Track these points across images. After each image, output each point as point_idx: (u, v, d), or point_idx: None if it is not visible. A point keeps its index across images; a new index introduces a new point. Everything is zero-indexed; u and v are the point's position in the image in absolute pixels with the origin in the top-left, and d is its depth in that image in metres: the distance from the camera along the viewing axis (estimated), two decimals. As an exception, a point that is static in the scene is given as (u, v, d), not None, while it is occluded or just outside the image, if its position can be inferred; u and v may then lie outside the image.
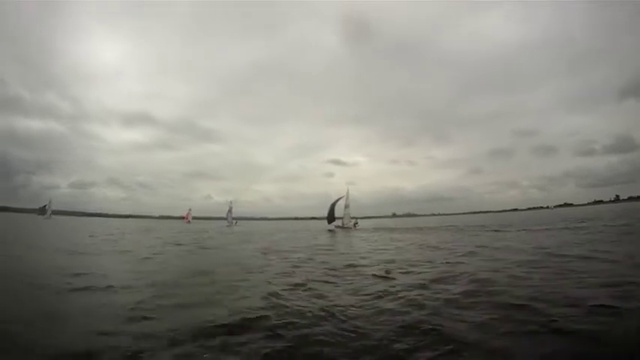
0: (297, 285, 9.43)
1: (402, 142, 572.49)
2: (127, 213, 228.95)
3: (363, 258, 15.53)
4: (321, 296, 8.14)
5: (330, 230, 45.71)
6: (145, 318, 6.43)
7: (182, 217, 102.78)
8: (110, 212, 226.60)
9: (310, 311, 6.87)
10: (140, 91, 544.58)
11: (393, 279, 10.05)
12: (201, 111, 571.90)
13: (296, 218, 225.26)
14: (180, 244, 23.92)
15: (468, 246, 18.80)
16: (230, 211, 75.80)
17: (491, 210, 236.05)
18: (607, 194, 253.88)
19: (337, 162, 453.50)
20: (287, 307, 7.24)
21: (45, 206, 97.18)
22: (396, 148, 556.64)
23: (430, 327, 5.82)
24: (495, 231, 31.05)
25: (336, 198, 51.85)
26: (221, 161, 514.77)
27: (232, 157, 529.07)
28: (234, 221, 75.46)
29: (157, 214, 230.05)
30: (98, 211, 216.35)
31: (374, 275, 10.71)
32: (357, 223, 49.59)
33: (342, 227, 47.92)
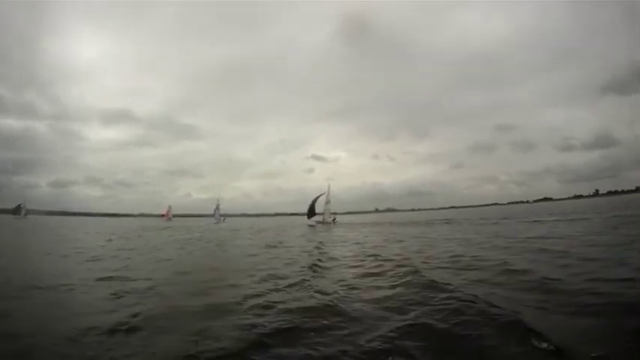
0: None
1: (382, 137, 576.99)
2: (107, 212, 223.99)
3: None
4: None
5: (310, 225, 46.96)
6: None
7: (161, 215, 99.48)
8: (90, 211, 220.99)
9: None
10: (121, 88, 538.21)
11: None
12: (181, 108, 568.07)
13: (276, 214, 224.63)
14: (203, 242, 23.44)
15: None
16: (217, 208, 77.76)
17: (471, 205, 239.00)
18: (586, 189, 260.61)
19: (318, 158, 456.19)
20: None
21: (19, 206, 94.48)
22: (376, 144, 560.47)
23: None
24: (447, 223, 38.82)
25: (318, 194, 52.86)
26: (201, 158, 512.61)
27: (212, 154, 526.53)
28: (221, 218, 77.63)
29: (137, 212, 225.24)
30: (78, 210, 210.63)
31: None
32: (335, 219, 50.20)
33: (322, 223, 48.91)
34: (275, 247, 18.84)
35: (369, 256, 13.59)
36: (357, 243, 20.60)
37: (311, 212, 52.05)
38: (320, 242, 21.60)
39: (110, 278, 9.83)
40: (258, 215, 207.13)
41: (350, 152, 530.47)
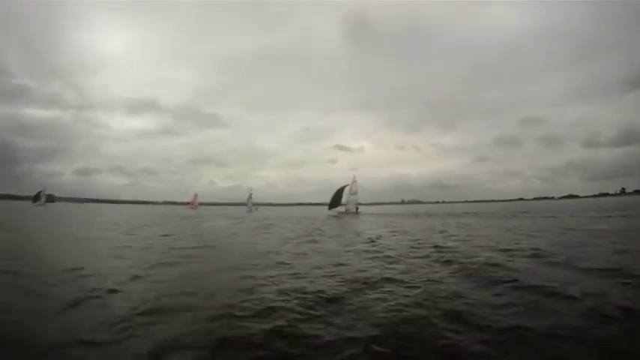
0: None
1: (408, 128, 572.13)
2: (132, 199, 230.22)
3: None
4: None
5: (333, 215, 47.81)
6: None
7: (187, 203, 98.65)
8: (114, 198, 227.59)
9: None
10: (145, 78, 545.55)
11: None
12: (206, 98, 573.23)
13: (300, 204, 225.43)
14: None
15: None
16: (250, 197, 79.74)
17: (496, 199, 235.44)
18: (611, 187, 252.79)
19: (342, 148, 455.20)
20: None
21: (39, 193, 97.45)
22: (402, 135, 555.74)
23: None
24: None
25: (342, 185, 53.34)
26: (225, 147, 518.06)
27: (237, 143, 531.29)
28: (254, 207, 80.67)
29: (161, 200, 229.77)
30: (101, 197, 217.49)
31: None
32: (358, 209, 51.25)
33: (345, 213, 49.80)
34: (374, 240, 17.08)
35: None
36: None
37: (334, 202, 52.43)
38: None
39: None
40: (282, 204, 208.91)
41: (374, 143, 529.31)
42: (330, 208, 52.46)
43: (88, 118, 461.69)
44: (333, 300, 6.62)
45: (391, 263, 10.46)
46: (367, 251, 13.21)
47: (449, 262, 10.33)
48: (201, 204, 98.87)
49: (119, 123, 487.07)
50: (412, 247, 13.88)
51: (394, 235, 19.55)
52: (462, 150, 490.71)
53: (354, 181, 52.22)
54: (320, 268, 9.91)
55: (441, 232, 21.38)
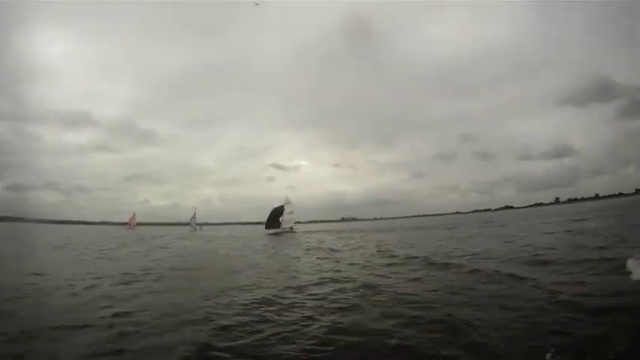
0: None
1: (345, 146, 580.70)
2: (66, 219, 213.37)
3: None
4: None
5: (272, 234, 49.39)
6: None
7: (124, 223, 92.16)
8: (48, 217, 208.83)
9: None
10: (81, 90, 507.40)
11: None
12: (142, 112, 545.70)
13: (238, 223, 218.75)
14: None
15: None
16: (194, 217, 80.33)
17: (434, 213, 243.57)
18: (545, 197, 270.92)
19: (278, 166, 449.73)
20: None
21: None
22: (339, 152, 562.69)
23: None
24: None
25: (277, 205, 55.27)
26: (161, 164, 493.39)
27: (173, 160, 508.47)
28: (198, 227, 79.73)
29: (97, 220, 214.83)
30: (36, 217, 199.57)
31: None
32: (292, 228, 53.38)
33: (281, 232, 51.39)
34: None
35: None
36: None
37: (271, 222, 53.77)
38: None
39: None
40: (220, 224, 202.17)
41: (311, 161, 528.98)
42: (266, 228, 53.63)
43: (24, 130, 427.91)
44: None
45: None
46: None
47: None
48: (139, 224, 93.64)
49: (54, 136, 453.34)
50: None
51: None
52: (400, 166, 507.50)
53: (287, 202, 54.23)
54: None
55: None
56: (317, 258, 17.57)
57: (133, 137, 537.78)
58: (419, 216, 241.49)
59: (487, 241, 21.29)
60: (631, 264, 9.36)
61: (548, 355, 4.24)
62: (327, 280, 10.97)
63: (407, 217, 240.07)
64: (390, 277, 10.79)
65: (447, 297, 8.02)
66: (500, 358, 4.76)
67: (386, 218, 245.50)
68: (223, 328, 6.43)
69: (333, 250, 21.89)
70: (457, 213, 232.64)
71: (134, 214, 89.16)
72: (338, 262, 15.81)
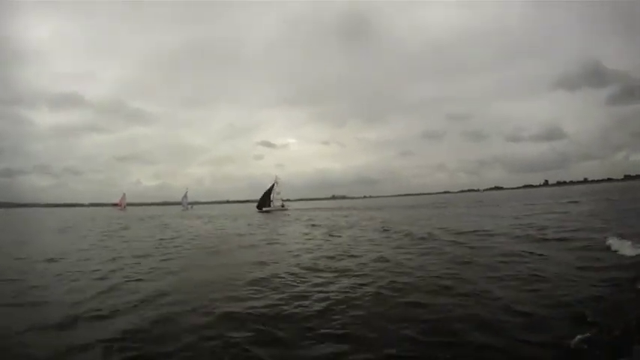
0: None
1: (333, 124, 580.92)
2: (57, 202, 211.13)
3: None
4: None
5: (263, 211, 52.47)
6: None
7: (114, 204, 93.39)
8: (39, 202, 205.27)
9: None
10: (70, 71, 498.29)
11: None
12: (132, 92, 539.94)
13: (228, 201, 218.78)
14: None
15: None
16: (185, 196, 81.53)
17: (422, 192, 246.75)
18: (534, 179, 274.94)
19: (267, 144, 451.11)
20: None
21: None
22: (327, 130, 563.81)
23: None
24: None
25: (269, 185, 56.76)
26: (152, 144, 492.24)
27: (163, 139, 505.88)
28: (189, 206, 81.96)
29: (87, 202, 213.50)
30: (27, 201, 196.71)
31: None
32: (284, 205, 56.67)
33: (273, 209, 53.78)
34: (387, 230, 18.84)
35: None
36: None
37: (263, 202, 55.76)
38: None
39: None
40: (210, 202, 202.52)
41: (300, 139, 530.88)
42: (258, 207, 55.67)
43: (12, 113, 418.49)
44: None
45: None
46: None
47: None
48: (128, 204, 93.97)
49: (43, 119, 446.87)
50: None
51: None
52: (388, 144, 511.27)
53: (276, 182, 56.31)
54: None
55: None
56: (327, 234, 17.93)
57: (124, 117, 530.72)
58: (408, 195, 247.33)
59: (488, 220, 21.53)
60: (614, 242, 9.82)
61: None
62: (342, 255, 11.24)
63: (396, 195, 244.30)
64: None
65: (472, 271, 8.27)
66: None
67: (375, 197, 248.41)
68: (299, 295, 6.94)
69: (336, 227, 22.27)
70: (446, 192, 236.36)
71: (124, 194, 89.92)
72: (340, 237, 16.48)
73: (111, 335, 5.01)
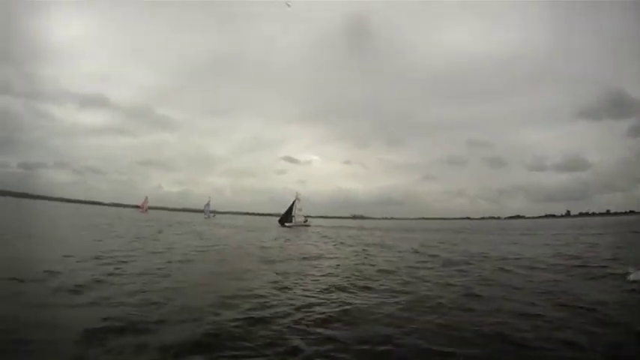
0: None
1: (356, 143, 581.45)
2: (76, 198, 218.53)
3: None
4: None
5: (285, 226, 53.91)
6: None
7: (135, 206, 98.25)
8: (59, 196, 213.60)
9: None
10: (98, 73, 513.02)
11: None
12: (159, 98, 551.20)
13: (247, 213, 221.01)
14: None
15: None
16: (208, 204, 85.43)
17: (443, 217, 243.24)
18: (556, 209, 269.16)
19: (290, 159, 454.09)
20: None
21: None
22: (350, 149, 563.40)
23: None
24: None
25: (292, 199, 58.51)
26: (175, 151, 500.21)
27: (186, 147, 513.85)
28: (211, 214, 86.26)
29: (107, 201, 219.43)
30: (46, 194, 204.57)
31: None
32: (306, 221, 57.93)
33: (295, 225, 55.06)
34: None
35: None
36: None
37: (286, 218, 57.38)
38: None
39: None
40: (230, 213, 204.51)
41: (323, 157, 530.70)
42: (280, 221, 57.17)
43: (38, 109, 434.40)
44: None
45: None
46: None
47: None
48: (150, 208, 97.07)
49: (68, 117, 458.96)
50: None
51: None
52: (409, 167, 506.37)
53: (297, 199, 57.93)
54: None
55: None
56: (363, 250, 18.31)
57: (149, 122, 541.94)
58: (427, 219, 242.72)
59: (525, 248, 21.01)
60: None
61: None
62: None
63: (416, 218, 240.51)
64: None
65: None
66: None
67: (395, 218, 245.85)
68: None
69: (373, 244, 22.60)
70: (467, 218, 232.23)
71: (147, 197, 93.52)
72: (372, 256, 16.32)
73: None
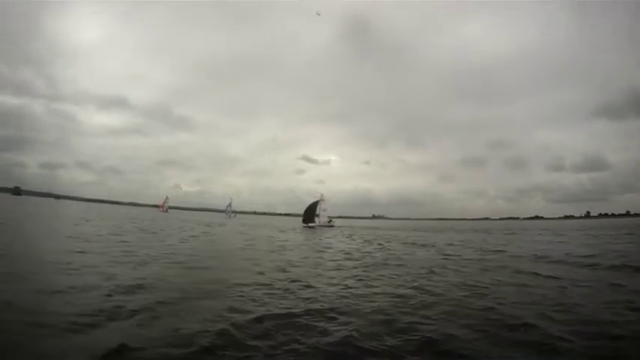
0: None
1: (375, 143, 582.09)
2: (96, 197, 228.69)
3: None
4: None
5: (310, 227, 52.74)
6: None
7: (154, 206, 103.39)
8: (78, 195, 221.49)
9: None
10: (118, 73, 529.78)
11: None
12: (177, 99, 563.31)
13: (265, 213, 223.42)
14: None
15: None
16: (230, 205, 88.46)
17: (463, 217, 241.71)
18: (575, 210, 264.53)
19: (309, 159, 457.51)
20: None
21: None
22: (369, 149, 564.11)
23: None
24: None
25: (313, 201, 58.94)
26: (193, 151, 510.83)
27: (205, 147, 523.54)
28: (232, 214, 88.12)
29: (127, 201, 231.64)
30: (67, 194, 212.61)
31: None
32: (331, 221, 57.64)
33: (319, 225, 54.88)
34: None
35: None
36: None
37: (309, 217, 57.24)
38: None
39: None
40: (248, 213, 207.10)
41: (341, 156, 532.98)
42: (304, 221, 56.99)
43: (58, 109, 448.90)
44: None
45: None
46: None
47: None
48: (169, 207, 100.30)
49: (88, 117, 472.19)
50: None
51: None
52: (428, 167, 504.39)
53: (322, 199, 58.13)
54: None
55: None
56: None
57: (168, 123, 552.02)
58: (447, 219, 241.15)
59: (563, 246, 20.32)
60: None
61: None
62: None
63: (436, 219, 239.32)
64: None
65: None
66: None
67: (414, 219, 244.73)
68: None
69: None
70: (486, 219, 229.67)
71: (167, 197, 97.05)
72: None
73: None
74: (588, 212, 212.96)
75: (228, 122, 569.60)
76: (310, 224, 55.36)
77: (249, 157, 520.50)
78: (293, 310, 6.33)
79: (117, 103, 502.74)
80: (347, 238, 28.99)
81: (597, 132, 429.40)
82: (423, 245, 21.98)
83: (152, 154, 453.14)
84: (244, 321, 5.52)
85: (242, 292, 7.62)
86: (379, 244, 21.84)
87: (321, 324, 5.66)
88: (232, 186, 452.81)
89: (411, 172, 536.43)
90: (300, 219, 58.08)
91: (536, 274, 10.54)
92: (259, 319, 5.64)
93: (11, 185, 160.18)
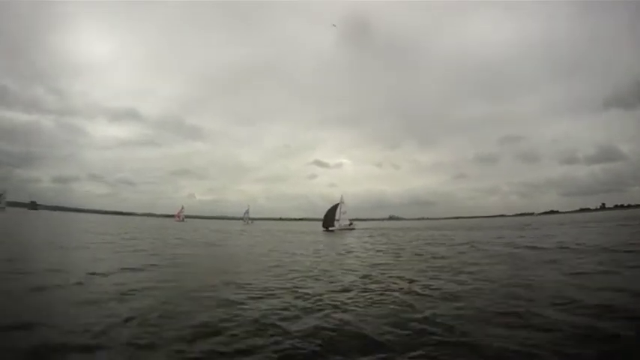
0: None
1: (387, 145, 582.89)
2: (110, 209, 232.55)
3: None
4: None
5: (330, 230, 52.52)
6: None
7: (169, 216, 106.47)
8: (92, 208, 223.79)
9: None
10: (128, 87, 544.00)
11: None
12: (187, 109, 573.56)
13: (281, 219, 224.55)
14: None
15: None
16: (247, 212, 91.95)
17: (477, 215, 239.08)
18: (590, 202, 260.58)
19: (321, 164, 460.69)
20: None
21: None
22: (380, 151, 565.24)
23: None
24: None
25: (331, 204, 57.92)
26: (206, 160, 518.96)
27: (217, 155, 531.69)
28: (250, 221, 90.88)
29: (141, 212, 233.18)
30: (79, 207, 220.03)
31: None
32: (351, 224, 56.63)
33: (340, 229, 53.87)
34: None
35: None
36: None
37: (329, 221, 56.03)
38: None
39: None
40: (264, 219, 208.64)
41: (353, 159, 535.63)
42: (324, 226, 55.74)
43: (69, 124, 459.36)
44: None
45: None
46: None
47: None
48: (185, 217, 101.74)
49: (99, 131, 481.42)
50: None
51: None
52: (440, 166, 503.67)
53: (342, 202, 56.98)
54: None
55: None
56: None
57: (180, 133, 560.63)
58: (461, 217, 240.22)
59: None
60: None
61: None
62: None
63: (451, 218, 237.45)
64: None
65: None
66: None
67: (430, 218, 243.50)
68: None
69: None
70: (501, 216, 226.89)
71: (182, 207, 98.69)
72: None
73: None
74: (603, 204, 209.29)
75: (240, 130, 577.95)
76: (330, 228, 54.43)
77: (262, 164, 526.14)
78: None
79: (128, 115, 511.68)
80: (385, 239, 29.57)
81: (608, 122, 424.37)
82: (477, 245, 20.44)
83: (165, 164, 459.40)
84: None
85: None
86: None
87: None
88: (246, 193, 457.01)
89: (423, 172, 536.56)
90: (315, 223, 55.91)
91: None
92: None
93: (26, 200, 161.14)
